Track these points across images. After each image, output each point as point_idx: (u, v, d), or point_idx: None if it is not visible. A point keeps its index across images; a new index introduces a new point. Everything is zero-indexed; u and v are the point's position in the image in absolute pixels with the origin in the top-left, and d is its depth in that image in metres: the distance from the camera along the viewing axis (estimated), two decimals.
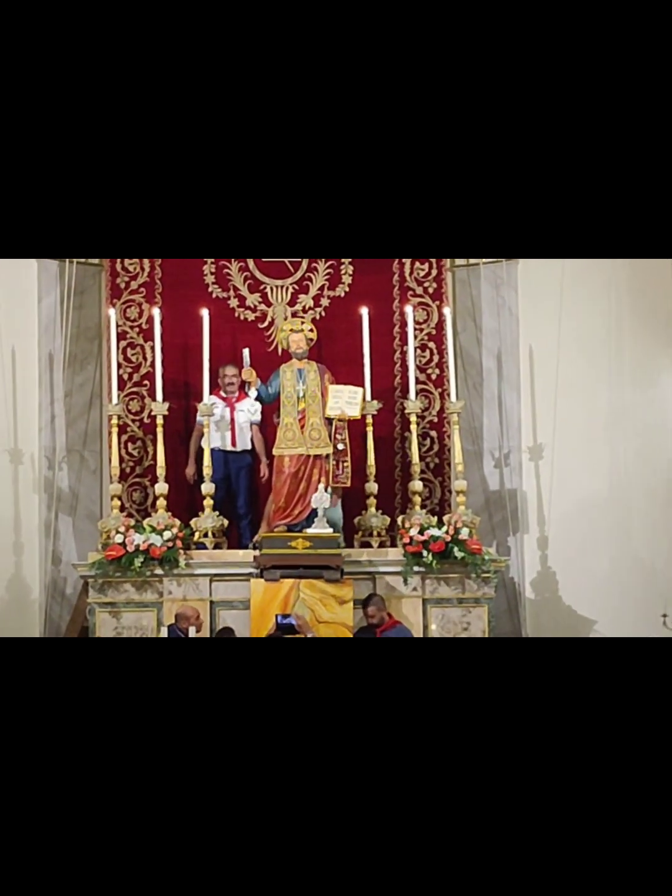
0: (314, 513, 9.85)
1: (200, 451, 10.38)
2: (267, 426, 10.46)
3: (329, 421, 10.08)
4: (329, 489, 9.85)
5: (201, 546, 10.09)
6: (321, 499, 9.76)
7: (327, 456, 10.03)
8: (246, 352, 10.14)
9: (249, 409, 10.22)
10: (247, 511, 10.42)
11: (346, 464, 10.01)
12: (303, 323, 10.36)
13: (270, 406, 10.33)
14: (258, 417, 10.26)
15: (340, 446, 9.99)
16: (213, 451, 10.25)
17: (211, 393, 10.25)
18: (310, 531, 9.81)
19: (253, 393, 10.15)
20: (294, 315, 10.77)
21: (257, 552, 9.83)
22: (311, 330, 10.28)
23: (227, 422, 10.36)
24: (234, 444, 10.41)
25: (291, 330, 10.27)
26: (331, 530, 9.73)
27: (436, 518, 10.18)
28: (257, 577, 9.69)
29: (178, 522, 10.04)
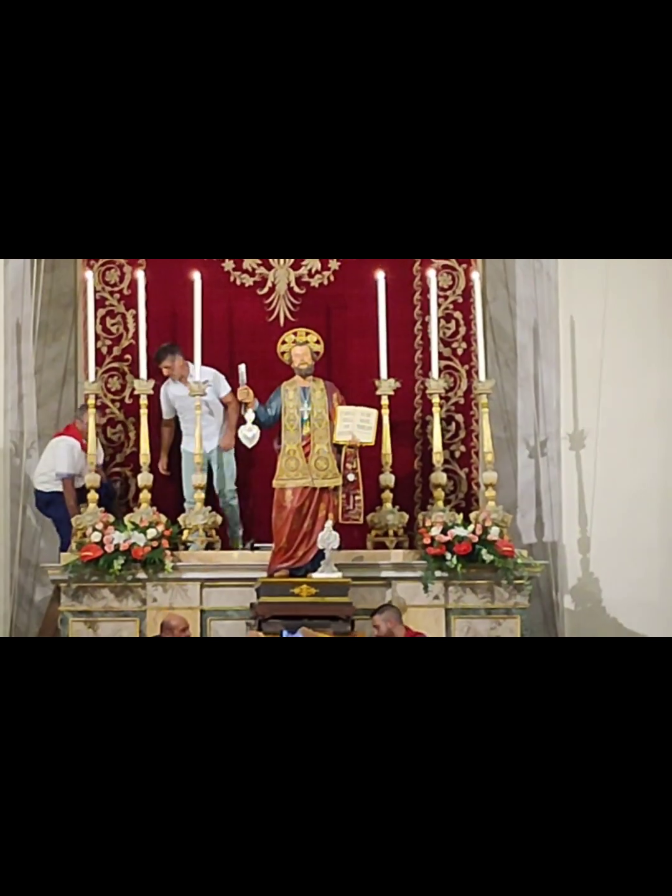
0: (320, 554, 9.27)
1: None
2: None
3: (338, 448, 9.43)
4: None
5: (191, 546, 9.62)
6: (328, 538, 9.20)
7: (335, 488, 9.42)
8: (242, 368, 9.43)
9: (246, 435, 9.48)
10: None
11: (357, 497, 9.40)
12: (308, 334, 9.64)
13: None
14: (255, 443, 9.54)
15: (351, 477, 9.36)
16: None
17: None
18: (316, 576, 9.23)
19: (250, 415, 9.45)
20: (299, 282, 10.25)
21: (254, 551, 9.55)
22: (318, 342, 9.60)
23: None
24: None
25: (295, 342, 9.57)
26: (339, 574, 9.23)
27: (461, 515, 9.72)
28: (256, 629, 9.19)
29: (164, 519, 9.55)
